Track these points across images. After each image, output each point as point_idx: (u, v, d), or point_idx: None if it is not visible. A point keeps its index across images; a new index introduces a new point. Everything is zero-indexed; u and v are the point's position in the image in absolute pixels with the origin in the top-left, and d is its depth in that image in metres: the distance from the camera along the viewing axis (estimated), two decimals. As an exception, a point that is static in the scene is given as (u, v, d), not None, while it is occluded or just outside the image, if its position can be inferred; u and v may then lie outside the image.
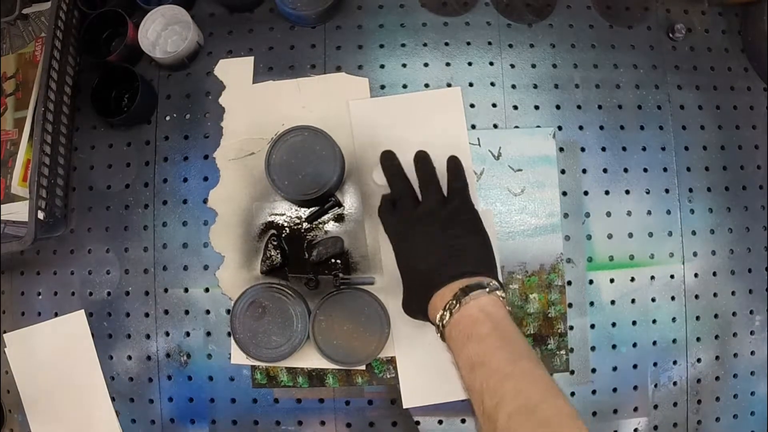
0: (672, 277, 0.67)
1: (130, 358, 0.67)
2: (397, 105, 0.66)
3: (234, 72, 0.69)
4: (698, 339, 0.67)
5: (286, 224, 0.65)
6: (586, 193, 0.68)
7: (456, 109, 0.60)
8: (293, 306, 0.61)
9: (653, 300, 0.67)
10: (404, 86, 0.69)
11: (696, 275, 0.68)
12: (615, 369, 0.66)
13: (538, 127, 0.68)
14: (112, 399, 0.67)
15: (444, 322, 0.48)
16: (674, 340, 0.66)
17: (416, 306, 0.54)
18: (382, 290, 0.63)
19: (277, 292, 0.61)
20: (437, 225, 0.54)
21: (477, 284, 0.49)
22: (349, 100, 0.67)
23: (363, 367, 0.64)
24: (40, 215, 0.62)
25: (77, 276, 0.69)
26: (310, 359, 0.63)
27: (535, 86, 0.69)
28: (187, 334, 0.66)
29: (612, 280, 0.67)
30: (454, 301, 0.47)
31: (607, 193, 0.68)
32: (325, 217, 0.65)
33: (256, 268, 0.65)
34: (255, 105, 0.68)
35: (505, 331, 0.46)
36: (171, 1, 0.68)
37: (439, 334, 0.50)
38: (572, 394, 0.65)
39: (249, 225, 0.66)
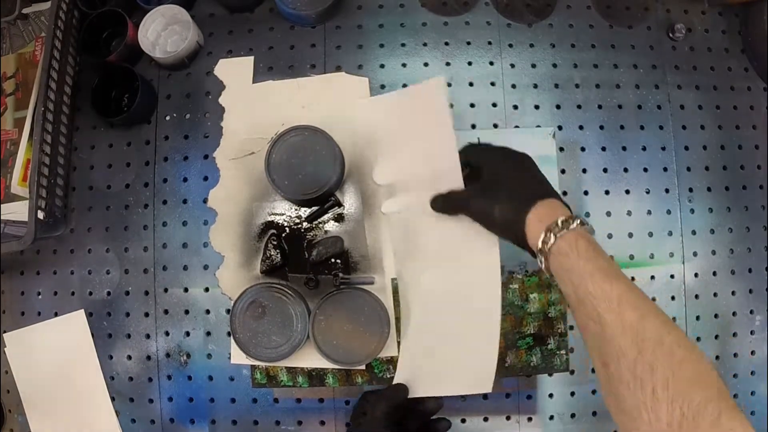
0: (672, 277, 0.67)
1: (129, 357, 0.67)
2: (392, 101, 0.64)
3: (234, 72, 0.69)
4: (698, 339, 0.67)
5: (286, 224, 0.65)
6: (586, 192, 0.68)
7: (441, 100, 0.58)
8: (293, 306, 0.61)
9: (653, 300, 0.66)
10: (404, 86, 0.69)
11: (696, 275, 0.68)
12: (615, 369, 0.66)
13: (538, 126, 0.68)
14: (112, 399, 0.67)
15: (548, 244, 0.46)
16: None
17: (510, 228, 0.50)
18: (382, 290, 0.63)
19: (277, 292, 0.61)
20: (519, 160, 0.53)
21: (573, 214, 0.48)
22: (357, 99, 0.67)
23: (363, 367, 0.64)
24: (40, 215, 0.62)
25: (77, 276, 0.69)
26: (310, 359, 0.63)
27: (535, 86, 0.69)
28: (187, 333, 0.66)
29: (612, 280, 0.66)
30: (560, 225, 0.45)
31: (607, 192, 0.68)
32: (325, 217, 0.65)
33: (256, 267, 0.65)
34: (255, 105, 0.68)
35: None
36: (171, 1, 0.68)
37: (541, 260, 0.47)
38: (572, 394, 0.65)
39: (249, 225, 0.66)
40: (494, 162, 0.53)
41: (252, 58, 0.69)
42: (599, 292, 0.42)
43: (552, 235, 0.46)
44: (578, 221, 0.46)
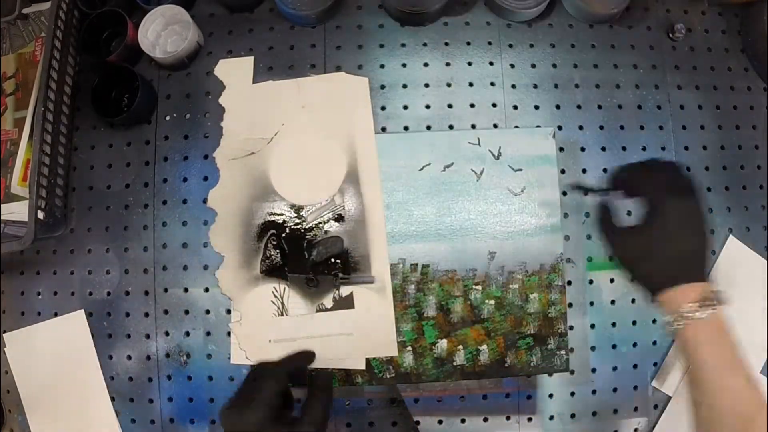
0: (672, 277, 0.67)
1: (129, 357, 0.67)
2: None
3: (234, 72, 0.69)
4: (698, 339, 0.67)
5: (285, 224, 0.65)
6: (586, 192, 0.67)
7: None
8: None
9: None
10: (404, 86, 0.69)
11: (696, 275, 0.67)
12: (615, 369, 0.66)
13: (538, 126, 0.68)
14: (112, 399, 0.67)
15: (692, 317, 0.48)
16: (674, 341, 0.66)
17: (656, 284, 0.51)
18: (381, 290, 0.63)
19: None
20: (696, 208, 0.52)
21: (720, 292, 0.49)
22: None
23: (363, 367, 0.64)
24: (40, 215, 0.62)
25: (77, 276, 0.69)
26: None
27: (535, 86, 0.69)
28: (187, 333, 0.66)
29: (612, 280, 0.67)
30: (707, 303, 0.48)
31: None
32: (325, 217, 0.65)
33: (256, 267, 0.65)
34: (255, 105, 0.68)
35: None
36: (171, 1, 0.68)
37: (673, 326, 0.49)
38: (572, 394, 0.65)
39: (248, 225, 0.66)
40: (666, 208, 0.51)
41: (252, 58, 0.69)
42: (720, 382, 0.47)
43: (696, 308, 0.48)
44: (720, 302, 0.48)
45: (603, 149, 0.68)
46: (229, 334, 0.65)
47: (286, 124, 0.65)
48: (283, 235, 0.65)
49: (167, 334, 0.66)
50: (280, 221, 0.66)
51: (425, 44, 0.70)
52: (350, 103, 0.67)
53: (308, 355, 0.59)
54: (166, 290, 0.67)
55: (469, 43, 0.70)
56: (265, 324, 0.64)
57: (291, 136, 0.67)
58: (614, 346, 0.66)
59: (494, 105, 0.69)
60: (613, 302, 0.66)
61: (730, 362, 0.47)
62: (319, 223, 0.65)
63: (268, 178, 0.66)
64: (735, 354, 0.47)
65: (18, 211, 0.65)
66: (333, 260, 0.64)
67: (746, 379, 0.47)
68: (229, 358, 0.65)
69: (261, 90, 0.68)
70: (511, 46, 0.70)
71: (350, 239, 0.65)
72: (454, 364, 0.64)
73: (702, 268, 0.50)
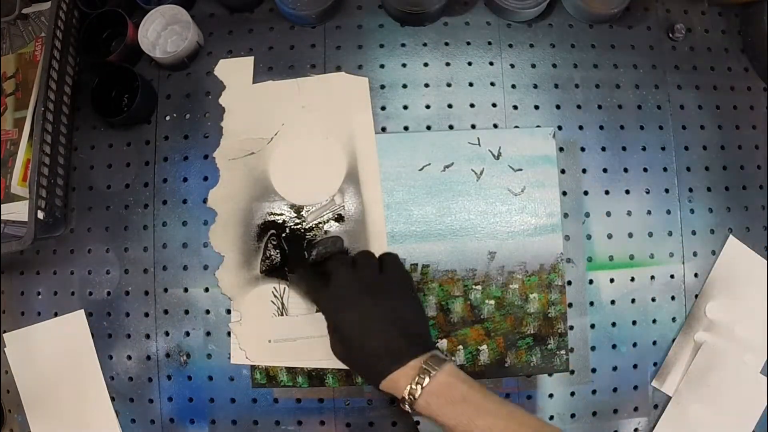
0: (672, 277, 0.67)
1: (129, 357, 0.67)
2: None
3: (234, 72, 0.69)
4: (698, 339, 0.67)
5: (285, 224, 0.65)
6: (586, 192, 0.68)
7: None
8: None
9: (653, 300, 0.67)
10: (404, 86, 0.69)
11: (696, 275, 0.67)
12: (615, 369, 0.66)
13: (538, 126, 0.68)
14: (112, 399, 0.67)
15: (415, 395, 0.50)
16: (674, 340, 0.66)
17: (370, 381, 0.55)
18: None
19: None
20: (379, 296, 0.55)
21: (436, 356, 0.53)
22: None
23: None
24: (40, 215, 0.62)
25: (77, 276, 0.69)
26: (310, 359, 0.63)
27: (535, 86, 0.69)
28: (187, 333, 0.66)
29: (612, 280, 0.66)
30: (423, 376, 0.50)
31: (607, 192, 0.68)
32: (325, 217, 0.65)
33: (256, 267, 0.65)
34: (255, 105, 0.68)
35: (478, 386, 0.52)
36: (171, 1, 0.68)
37: (406, 405, 0.52)
38: (572, 394, 0.65)
39: (248, 225, 0.66)
40: (346, 302, 0.57)
41: (252, 58, 0.69)
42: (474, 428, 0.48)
43: (418, 386, 0.50)
44: (435, 367, 0.51)
45: (603, 149, 0.68)
46: (229, 334, 0.65)
47: (286, 124, 0.65)
48: (283, 234, 0.65)
49: (167, 334, 0.66)
50: (280, 221, 0.65)
51: (425, 44, 0.70)
52: (350, 103, 0.67)
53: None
54: (166, 290, 0.67)
55: (469, 43, 0.70)
56: (265, 324, 0.64)
57: (291, 136, 0.66)
58: (614, 346, 0.66)
59: (494, 105, 0.69)
60: (613, 302, 0.66)
61: (473, 411, 0.49)
62: (319, 223, 0.65)
63: (268, 178, 0.66)
64: (474, 399, 0.49)
65: (18, 211, 0.65)
66: None
67: (494, 415, 0.49)
68: (229, 358, 0.65)
69: (261, 90, 0.68)
70: (511, 46, 0.70)
71: (350, 239, 0.65)
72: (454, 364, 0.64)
73: (403, 349, 0.53)
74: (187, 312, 0.66)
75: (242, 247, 0.65)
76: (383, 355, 0.53)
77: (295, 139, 0.66)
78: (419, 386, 0.50)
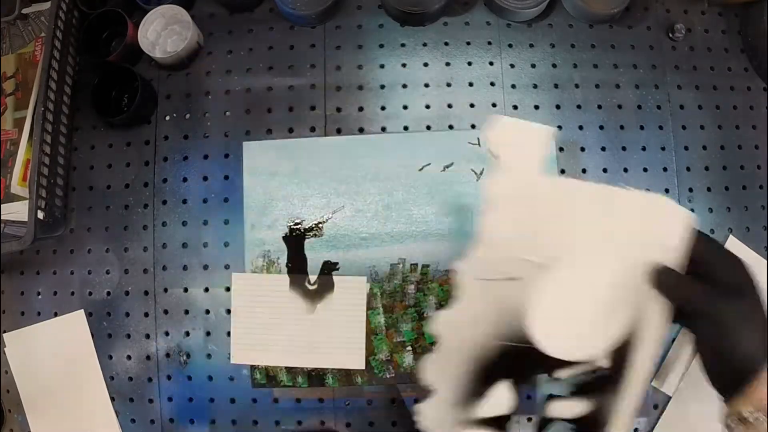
0: (672, 277, 0.67)
1: (129, 357, 0.67)
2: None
3: (519, 146, 0.47)
4: (698, 339, 0.67)
5: (527, 374, 0.48)
6: (586, 193, 0.67)
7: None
8: None
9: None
10: (404, 86, 0.69)
11: (696, 275, 0.67)
12: (615, 369, 0.65)
13: (538, 127, 0.68)
14: (112, 399, 0.67)
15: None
16: (674, 340, 0.66)
17: (731, 388, 0.42)
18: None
19: None
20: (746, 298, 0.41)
21: None
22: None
23: (363, 367, 0.64)
24: (40, 215, 0.62)
25: (77, 276, 0.69)
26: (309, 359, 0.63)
27: (535, 86, 0.69)
28: (187, 333, 0.66)
29: (612, 280, 0.66)
30: None
31: (607, 193, 0.68)
32: (579, 378, 0.46)
33: (476, 412, 0.49)
34: (534, 210, 0.45)
35: None
36: (171, 1, 0.68)
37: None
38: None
39: (479, 364, 0.48)
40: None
41: (550, 129, 0.46)
42: None
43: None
44: None
45: (603, 149, 0.68)
46: (228, 334, 0.65)
47: (579, 246, 0.44)
48: (520, 385, 0.48)
49: (167, 334, 0.66)
50: (523, 371, 0.48)
51: (425, 44, 0.70)
52: (662, 242, 0.42)
53: None
54: (166, 290, 0.67)
55: (469, 43, 0.70)
56: None
57: (575, 266, 0.44)
58: (614, 346, 0.65)
59: (494, 105, 0.69)
60: (613, 302, 0.66)
61: None
62: (573, 384, 0.47)
63: (523, 316, 0.45)
64: None
65: (18, 211, 0.65)
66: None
67: None
68: (229, 358, 0.65)
69: (550, 190, 0.45)
70: (511, 46, 0.70)
71: (593, 405, 0.46)
72: (454, 364, 0.63)
73: None
74: (187, 312, 0.66)
75: (463, 387, 0.49)
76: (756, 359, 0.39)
77: (579, 272, 0.44)
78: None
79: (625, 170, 0.68)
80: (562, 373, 0.46)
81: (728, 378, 0.41)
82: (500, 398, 0.47)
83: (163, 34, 0.71)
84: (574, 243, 0.43)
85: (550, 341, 0.44)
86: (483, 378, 0.48)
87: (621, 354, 0.44)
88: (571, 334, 0.44)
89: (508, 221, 0.45)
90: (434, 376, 0.49)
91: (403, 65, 0.69)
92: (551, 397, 0.47)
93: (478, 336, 0.48)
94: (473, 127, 0.68)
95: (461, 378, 0.49)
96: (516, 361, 0.46)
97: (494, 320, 0.47)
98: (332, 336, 0.65)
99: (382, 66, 0.69)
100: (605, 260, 0.42)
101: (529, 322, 0.45)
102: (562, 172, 0.67)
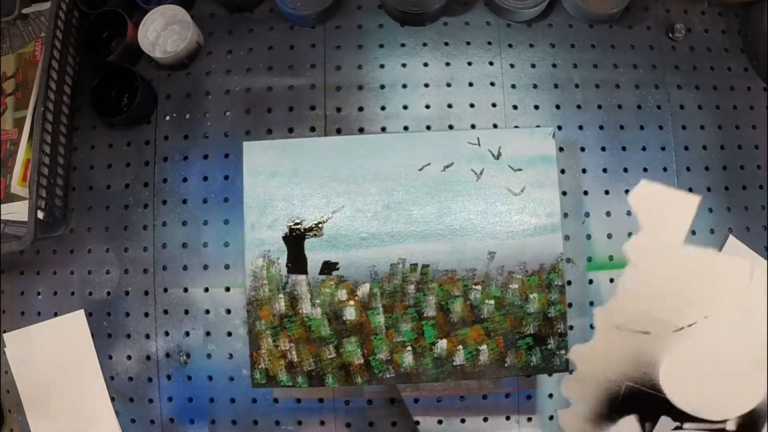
0: (672, 277, 0.67)
1: (129, 357, 0.67)
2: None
3: (664, 222, 0.52)
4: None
5: (653, 412, 0.53)
6: (586, 192, 0.68)
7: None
8: None
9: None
10: (404, 86, 0.69)
11: (696, 275, 0.67)
12: (615, 369, 0.66)
13: (538, 126, 0.68)
14: (112, 399, 0.67)
15: None
16: None
17: None
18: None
19: None
20: None
21: None
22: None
23: (363, 367, 0.64)
24: (40, 215, 0.62)
25: (77, 276, 0.69)
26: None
27: (535, 86, 0.69)
28: (187, 333, 0.66)
29: (612, 280, 0.66)
30: None
31: (607, 192, 0.68)
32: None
33: (605, 429, 0.57)
34: (675, 274, 0.50)
35: None
36: (171, 1, 0.68)
37: None
38: (572, 394, 0.65)
39: (611, 395, 0.56)
40: None
41: (698, 199, 0.51)
42: None
43: None
44: None
45: (603, 149, 0.68)
46: (228, 334, 0.65)
47: (710, 316, 0.49)
48: (647, 423, 0.54)
49: (167, 334, 0.66)
50: (651, 413, 0.53)
51: (425, 44, 0.70)
52: None
53: None
54: (165, 290, 0.67)
55: (469, 43, 0.70)
56: None
57: (714, 332, 0.50)
58: (614, 346, 0.66)
59: (494, 105, 0.69)
60: (613, 302, 0.66)
61: None
62: None
63: (656, 370, 0.52)
64: None
65: (18, 211, 0.65)
66: None
67: None
68: (229, 357, 0.65)
69: (688, 257, 0.51)
70: (511, 46, 0.70)
71: None
72: (454, 364, 0.64)
73: None
74: (187, 312, 0.66)
75: (597, 408, 0.57)
76: None
77: (719, 338, 0.50)
78: None
79: (625, 170, 0.68)
80: (690, 426, 0.51)
81: None
82: (626, 428, 0.53)
83: (163, 34, 0.71)
84: (712, 310, 0.48)
85: (679, 396, 0.49)
86: (614, 406, 0.54)
87: (750, 421, 0.47)
88: (703, 394, 0.49)
89: (647, 280, 0.51)
90: (571, 393, 0.59)
91: (403, 65, 0.69)
92: None
93: (609, 372, 0.54)
94: (473, 127, 0.68)
95: (594, 400, 0.55)
96: (645, 402, 0.52)
97: (625, 363, 0.53)
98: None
99: (382, 66, 0.69)
100: (745, 332, 0.47)
101: (662, 375, 0.50)
102: (563, 172, 0.67)
